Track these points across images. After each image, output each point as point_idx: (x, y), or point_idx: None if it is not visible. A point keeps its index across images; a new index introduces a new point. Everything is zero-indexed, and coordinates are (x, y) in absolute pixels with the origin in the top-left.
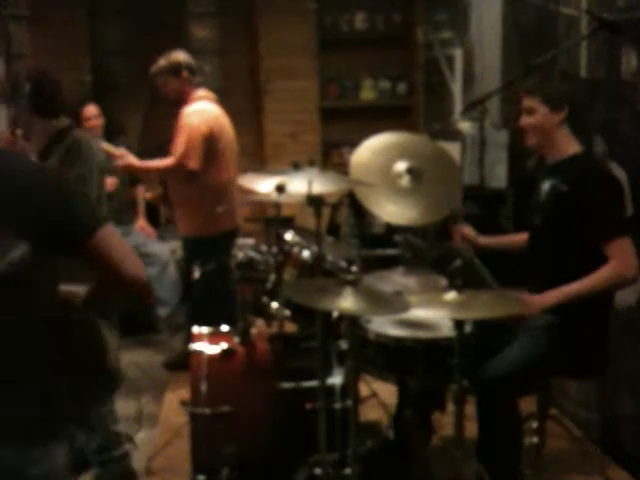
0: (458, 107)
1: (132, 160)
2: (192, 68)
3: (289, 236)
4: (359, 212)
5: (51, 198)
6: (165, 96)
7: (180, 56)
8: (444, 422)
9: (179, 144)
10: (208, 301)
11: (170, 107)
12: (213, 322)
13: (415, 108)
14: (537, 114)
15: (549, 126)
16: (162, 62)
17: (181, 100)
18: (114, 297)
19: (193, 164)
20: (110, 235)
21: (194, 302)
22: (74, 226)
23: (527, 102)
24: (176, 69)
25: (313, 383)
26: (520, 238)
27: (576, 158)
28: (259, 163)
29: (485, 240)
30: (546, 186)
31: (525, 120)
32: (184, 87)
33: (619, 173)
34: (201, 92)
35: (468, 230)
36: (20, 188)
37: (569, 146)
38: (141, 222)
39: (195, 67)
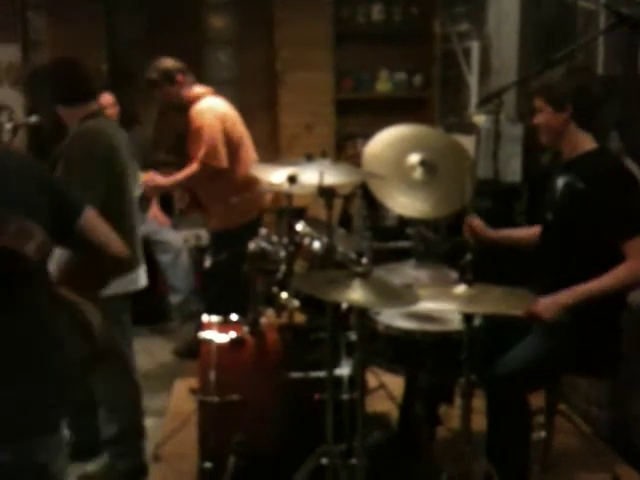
0: (474, 100)
1: (160, 180)
2: (183, 70)
3: (300, 227)
4: (372, 204)
5: (48, 187)
6: (169, 104)
7: (168, 63)
8: (452, 415)
9: (199, 147)
10: (224, 291)
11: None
12: (229, 312)
13: (431, 101)
14: (544, 113)
15: (556, 125)
16: (153, 75)
17: (185, 103)
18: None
19: (219, 162)
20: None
21: (209, 292)
22: (65, 210)
23: (536, 101)
24: (170, 76)
25: (321, 374)
26: (530, 233)
27: (591, 154)
28: (273, 154)
29: (494, 234)
30: (560, 182)
31: (536, 119)
32: (183, 90)
33: (634, 170)
34: (199, 89)
35: (477, 223)
36: (22, 180)
37: (583, 143)
38: (154, 210)
39: (184, 68)
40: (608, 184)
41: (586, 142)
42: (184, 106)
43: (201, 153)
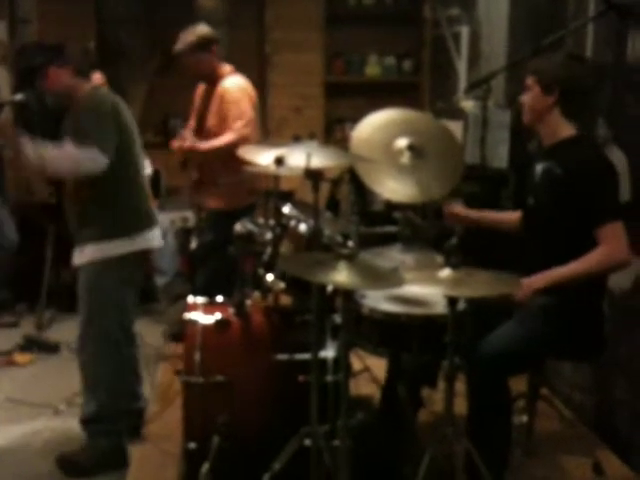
0: (463, 86)
1: (200, 145)
2: (218, 40)
3: (287, 209)
4: (360, 189)
5: None
6: (196, 74)
7: (206, 29)
8: (435, 399)
9: (236, 117)
10: (212, 273)
11: (179, 79)
12: (217, 294)
13: (421, 85)
14: (532, 93)
15: (540, 107)
16: (190, 38)
17: (213, 76)
18: None
19: (251, 134)
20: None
21: (197, 274)
22: None
23: (528, 79)
24: (206, 44)
25: (306, 356)
26: (512, 217)
27: (569, 141)
28: (262, 136)
29: (475, 214)
30: (539, 168)
31: (523, 97)
32: (215, 62)
33: (619, 157)
34: (227, 66)
35: (459, 209)
36: None
37: (562, 129)
38: None
39: (219, 38)
40: (584, 171)
41: (566, 129)
42: (211, 80)
43: (240, 124)
